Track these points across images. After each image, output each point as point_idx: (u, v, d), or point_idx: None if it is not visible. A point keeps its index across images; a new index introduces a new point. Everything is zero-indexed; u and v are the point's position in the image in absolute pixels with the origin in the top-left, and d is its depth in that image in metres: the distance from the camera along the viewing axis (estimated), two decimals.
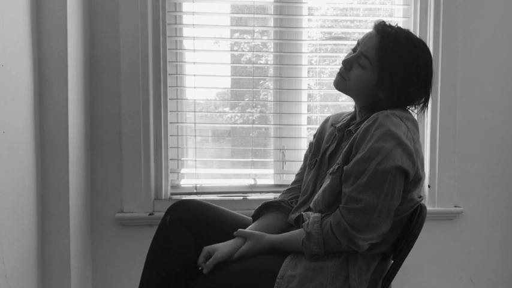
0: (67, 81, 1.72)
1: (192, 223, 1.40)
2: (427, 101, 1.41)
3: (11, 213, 1.53)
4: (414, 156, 1.25)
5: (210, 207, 1.48)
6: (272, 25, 2.15)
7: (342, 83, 1.39)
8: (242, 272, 1.30)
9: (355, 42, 1.40)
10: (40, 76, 1.71)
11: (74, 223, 1.80)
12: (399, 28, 1.36)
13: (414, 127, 1.31)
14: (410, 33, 1.37)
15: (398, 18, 2.15)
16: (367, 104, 1.38)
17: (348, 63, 1.37)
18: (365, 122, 1.28)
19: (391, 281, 1.37)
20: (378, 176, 1.21)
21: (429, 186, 2.11)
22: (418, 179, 1.28)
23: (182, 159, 2.13)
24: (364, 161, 1.23)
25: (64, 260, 1.76)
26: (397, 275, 1.36)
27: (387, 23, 1.36)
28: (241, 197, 2.08)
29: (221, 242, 1.36)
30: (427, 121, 2.10)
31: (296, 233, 1.34)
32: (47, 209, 1.74)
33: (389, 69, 1.32)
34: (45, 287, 1.76)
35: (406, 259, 1.35)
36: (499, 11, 2.11)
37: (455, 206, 2.12)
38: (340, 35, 2.20)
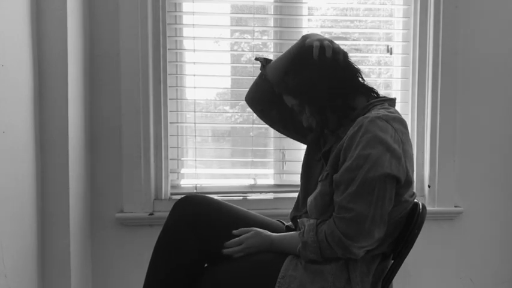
0: (67, 81, 1.72)
1: (197, 222, 1.39)
2: (355, 72, 1.38)
3: (11, 213, 1.53)
4: (403, 160, 1.23)
5: (218, 205, 1.46)
6: (272, 25, 2.15)
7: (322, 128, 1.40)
8: (244, 270, 1.31)
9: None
10: (40, 76, 1.71)
11: (74, 223, 1.80)
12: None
13: (402, 127, 1.27)
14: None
15: (398, 18, 2.15)
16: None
17: (304, 121, 1.41)
18: (351, 128, 1.26)
19: (391, 281, 1.37)
20: (367, 184, 1.20)
21: (429, 186, 2.11)
22: (409, 182, 1.27)
23: (182, 159, 2.13)
24: (353, 169, 1.21)
25: (64, 260, 1.76)
26: (397, 275, 1.36)
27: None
28: (241, 197, 2.08)
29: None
30: (427, 121, 2.10)
31: (296, 235, 1.33)
32: (47, 209, 1.74)
33: (308, 95, 1.34)
34: (45, 287, 1.76)
35: (406, 259, 1.35)
36: (499, 11, 2.11)
37: (455, 206, 2.12)
38: (340, 35, 2.20)
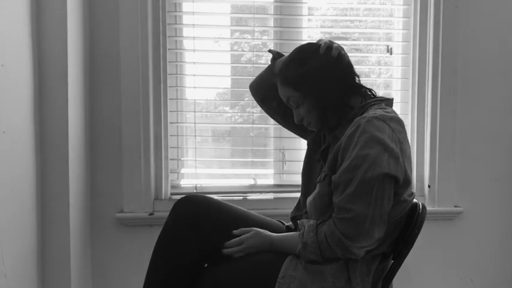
0: (67, 81, 1.72)
1: (197, 222, 1.39)
2: (352, 75, 1.39)
3: (11, 213, 1.53)
4: (401, 159, 1.23)
5: (218, 205, 1.46)
6: (272, 25, 2.15)
7: (313, 127, 1.40)
8: (244, 270, 1.31)
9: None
10: (40, 76, 1.71)
11: (74, 223, 1.80)
12: (291, 56, 1.40)
13: (399, 126, 1.27)
14: (297, 51, 1.41)
15: (398, 18, 2.15)
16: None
17: (296, 116, 1.41)
18: (348, 129, 1.26)
19: (391, 281, 1.37)
20: (365, 184, 1.20)
21: (429, 186, 2.11)
22: (408, 181, 1.27)
23: (182, 159, 2.13)
24: (351, 169, 1.21)
25: (64, 260, 1.77)
26: (397, 275, 1.36)
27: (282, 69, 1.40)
28: (241, 197, 2.08)
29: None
30: (427, 121, 2.10)
31: (296, 235, 1.33)
32: (47, 209, 1.74)
33: (309, 88, 1.33)
34: (45, 287, 1.76)
35: (406, 259, 1.35)
36: (499, 11, 2.11)
37: (455, 206, 2.12)
38: (340, 35, 2.20)
